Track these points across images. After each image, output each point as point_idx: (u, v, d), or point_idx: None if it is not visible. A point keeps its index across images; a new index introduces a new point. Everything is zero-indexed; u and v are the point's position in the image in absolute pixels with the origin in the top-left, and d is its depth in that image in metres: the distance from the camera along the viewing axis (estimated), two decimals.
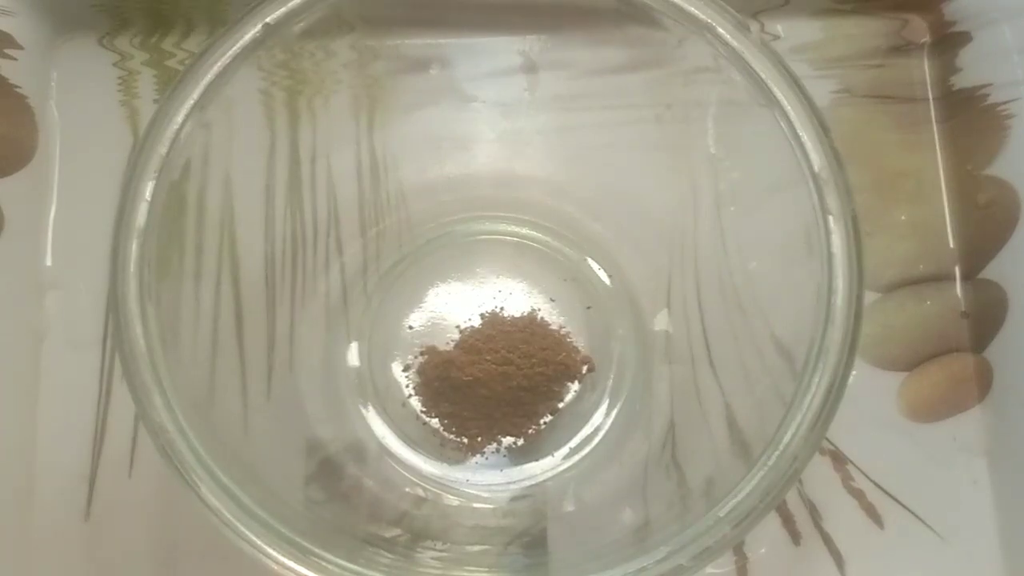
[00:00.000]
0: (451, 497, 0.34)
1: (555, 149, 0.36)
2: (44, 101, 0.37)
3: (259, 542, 0.24)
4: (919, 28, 0.39)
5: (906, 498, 0.35)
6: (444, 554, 0.31)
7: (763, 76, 0.26)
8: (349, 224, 0.35)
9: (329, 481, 0.32)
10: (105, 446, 0.34)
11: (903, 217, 0.37)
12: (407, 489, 0.33)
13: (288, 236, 0.34)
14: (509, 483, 0.34)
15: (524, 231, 0.37)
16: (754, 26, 0.27)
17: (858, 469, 0.35)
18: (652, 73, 0.32)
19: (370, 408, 0.35)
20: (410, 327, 0.35)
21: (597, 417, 0.35)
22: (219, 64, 0.27)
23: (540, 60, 0.34)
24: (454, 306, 0.35)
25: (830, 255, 0.25)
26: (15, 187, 0.35)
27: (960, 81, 0.37)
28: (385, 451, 0.34)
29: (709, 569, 0.24)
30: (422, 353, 0.34)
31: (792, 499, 0.34)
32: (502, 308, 0.35)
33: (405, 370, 0.35)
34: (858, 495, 0.35)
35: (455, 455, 0.34)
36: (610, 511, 0.32)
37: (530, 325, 0.35)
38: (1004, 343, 0.35)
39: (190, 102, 0.26)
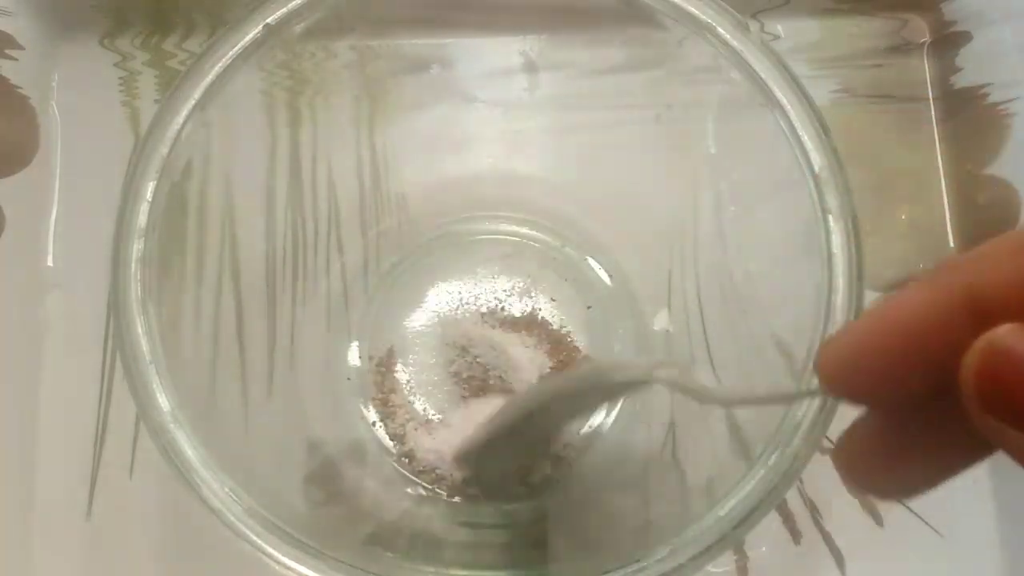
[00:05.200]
0: (451, 496, 0.34)
1: (555, 149, 0.36)
2: (45, 101, 0.37)
3: (259, 542, 0.24)
4: (919, 28, 0.39)
5: None
6: (444, 553, 0.31)
7: (763, 76, 0.26)
8: (350, 224, 0.35)
9: (329, 481, 0.32)
10: (106, 446, 0.34)
11: (903, 216, 0.37)
12: (407, 488, 0.33)
13: (289, 236, 0.34)
14: None
15: (524, 231, 0.37)
16: (754, 26, 0.27)
17: None
18: (652, 73, 0.32)
19: (371, 408, 0.35)
20: (411, 327, 0.35)
21: (597, 417, 0.35)
22: (220, 65, 0.27)
23: (540, 60, 0.34)
24: (455, 306, 0.35)
25: (830, 254, 0.25)
26: (16, 187, 0.35)
27: (960, 81, 0.37)
28: (385, 451, 0.34)
29: (709, 568, 0.24)
30: (423, 353, 0.35)
31: (792, 498, 0.34)
32: (503, 308, 0.35)
33: (405, 369, 0.35)
34: (858, 494, 0.35)
35: None
36: (610, 511, 0.32)
37: (531, 325, 0.35)
38: None
39: (191, 102, 0.26)
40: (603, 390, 0.25)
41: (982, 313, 0.14)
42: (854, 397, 0.16)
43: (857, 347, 0.16)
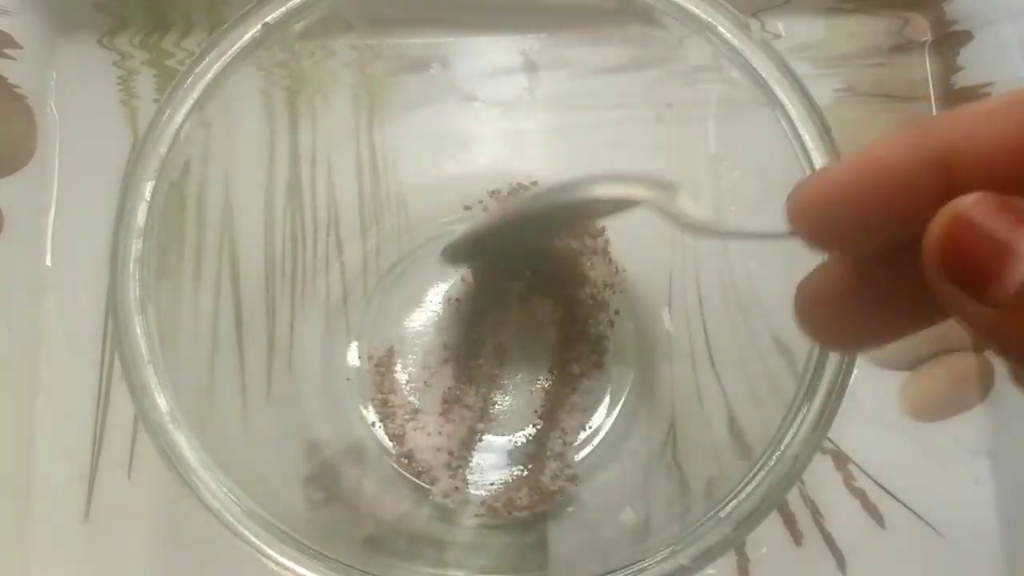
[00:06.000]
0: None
1: (555, 148, 0.36)
2: (43, 101, 0.37)
3: (258, 542, 0.24)
4: (920, 27, 0.39)
5: (908, 497, 0.35)
6: (444, 554, 0.31)
7: (764, 75, 0.26)
8: (349, 224, 0.35)
9: (329, 481, 0.32)
10: (105, 446, 0.34)
11: None
12: (407, 489, 0.33)
13: (288, 236, 0.34)
14: None
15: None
16: (755, 25, 0.27)
17: (860, 469, 0.35)
18: (652, 73, 0.32)
19: (370, 408, 0.34)
20: (410, 327, 0.35)
21: (597, 417, 0.35)
22: (219, 64, 0.26)
23: (540, 59, 0.34)
24: (455, 305, 0.35)
25: None
26: (14, 187, 0.35)
27: (961, 80, 0.37)
28: (385, 451, 0.34)
29: (710, 569, 0.24)
30: (423, 353, 0.34)
31: (794, 499, 0.34)
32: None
33: (405, 369, 0.35)
34: (860, 495, 0.35)
35: None
36: (610, 511, 0.32)
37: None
38: None
39: (190, 102, 0.26)
40: (592, 204, 0.25)
41: (953, 173, 0.15)
42: (820, 240, 0.17)
43: (828, 190, 0.16)
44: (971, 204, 0.14)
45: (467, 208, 0.36)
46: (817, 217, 0.16)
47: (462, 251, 0.31)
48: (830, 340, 0.19)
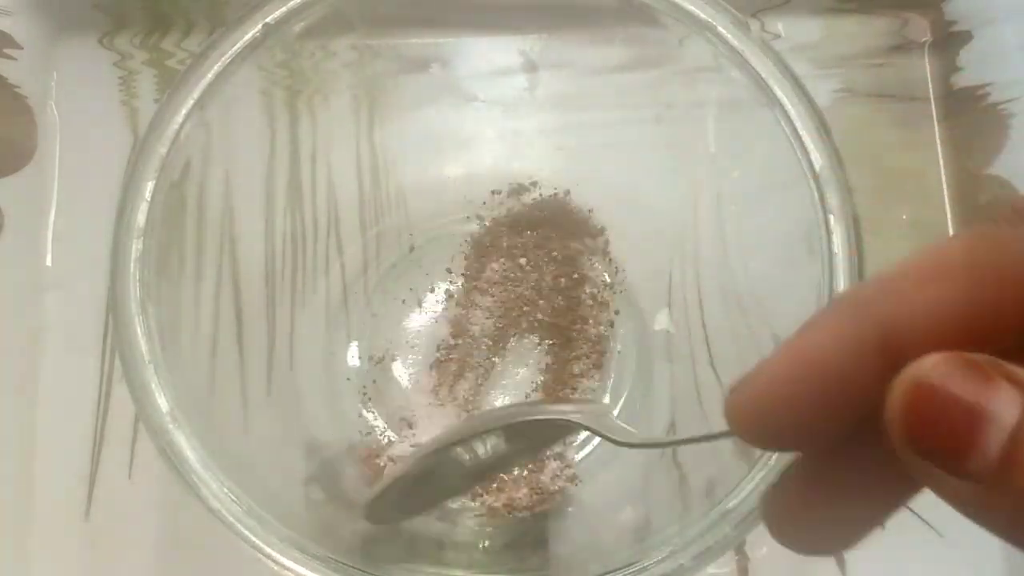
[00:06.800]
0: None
1: (555, 149, 0.36)
2: (44, 101, 0.37)
3: (258, 542, 0.24)
4: (920, 27, 0.39)
5: None
6: (444, 554, 0.31)
7: (764, 75, 0.26)
8: (349, 224, 0.35)
9: (329, 481, 0.32)
10: (105, 447, 0.34)
11: (904, 216, 0.37)
12: None
13: (288, 236, 0.34)
14: None
15: (524, 231, 0.36)
16: (755, 25, 0.27)
17: None
18: (652, 73, 0.32)
19: (370, 408, 0.34)
20: (410, 327, 0.35)
21: None
22: (219, 64, 0.27)
23: (540, 60, 0.34)
24: (455, 306, 0.35)
25: (831, 254, 0.25)
26: (15, 187, 0.35)
27: (961, 80, 0.37)
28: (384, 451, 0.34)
29: (710, 569, 0.24)
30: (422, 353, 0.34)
31: None
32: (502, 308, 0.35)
33: (405, 369, 0.35)
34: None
35: None
36: (610, 511, 0.32)
37: (532, 325, 0.34)
38: None
39: (190, 102, 0.26)
40: (524, 435, 0.24)
41: (896, 349, 0.13)
42: (769, 445, 0.15)
43: (766, 395, 0.15)
44: (930, 368, 0.12)
45: (468, 202, 0.36)
46: (757, 419, 0.15)
47: (390, 504, 0.27)
48: (809, 548, 0.17)
